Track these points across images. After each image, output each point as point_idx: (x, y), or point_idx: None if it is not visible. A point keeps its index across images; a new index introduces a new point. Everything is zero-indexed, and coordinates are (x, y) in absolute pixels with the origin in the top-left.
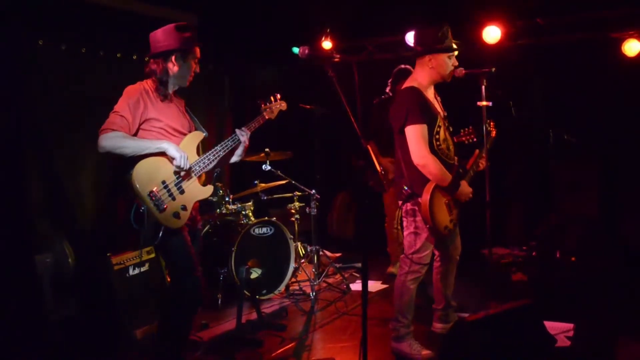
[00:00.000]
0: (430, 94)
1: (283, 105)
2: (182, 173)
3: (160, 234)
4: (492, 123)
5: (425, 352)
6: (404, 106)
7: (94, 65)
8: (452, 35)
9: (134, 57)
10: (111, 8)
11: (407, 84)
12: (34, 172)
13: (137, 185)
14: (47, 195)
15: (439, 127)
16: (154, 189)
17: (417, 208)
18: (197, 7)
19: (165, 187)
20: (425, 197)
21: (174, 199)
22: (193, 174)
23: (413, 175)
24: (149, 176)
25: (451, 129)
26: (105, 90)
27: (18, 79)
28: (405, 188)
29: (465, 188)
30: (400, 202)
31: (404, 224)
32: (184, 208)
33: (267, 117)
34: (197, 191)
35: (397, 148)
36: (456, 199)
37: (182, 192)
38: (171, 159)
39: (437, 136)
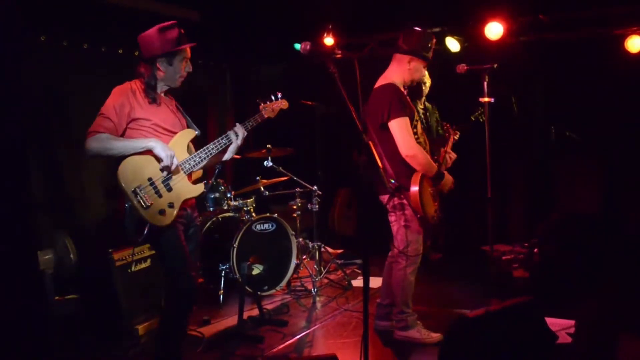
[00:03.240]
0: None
1: (284, 104)
2: (171, 170)
3: (146, 231)
4: (448, 125)
5: (435, 335)
6: (386, 101)
7: (95, 62)
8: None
9: (135, 53)
10: (113, 4)
11: (382, 81)
12: (36, 168)
13: (122, 183)
14: (49, 192)
15: (416, 121)
16: (139, 186)
17: (405, 201)
18: (199, 3)
19: (152, 184)
20: (415, 188)
21: (160, 196)
22: (182, 172)
23: (398, 168)
24: (134, 173)
25: (425, 125)
26: (107, 86)
27: (20, 75)
28: (393, 181)
29: (448, 177)
30: (385, 198)
31: (392, 219)
32: (171, 205)
33: (266, 116)
34: (186, 189)
35: (377, 143)
36: (439, 189)
37: (169, 189)
38: (158, 159)
39: (415, 130)
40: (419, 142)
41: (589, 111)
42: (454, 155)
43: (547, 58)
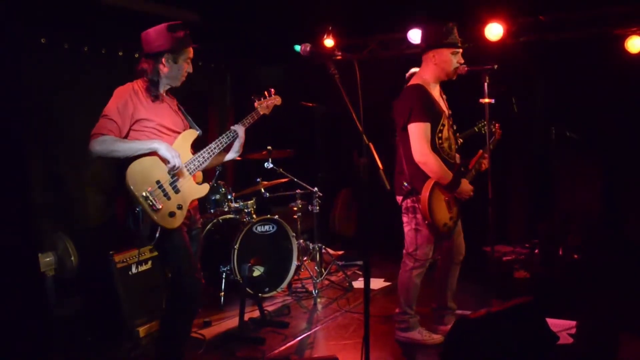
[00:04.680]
0: (435, 91)
1: (277, 100)
2: (176, 172)
3: (157, 234)
4: (497, 125)
5: (436, 336)
6: (408, 103)
7: (96, 64)
8: (458, 34)
9: (136, 55)
10: (114, 6)
11: (413, 81)
12: (37, 170)
13: (132, 187)
14: (50, 194)
15: (443, 125)
16: (149, 189)
17: (417, 205)
18: (199, 5)
19: (160, 186)
20: (425, 194)
21: (169, 198)
22: (187, 173)
23: (413, 171)
24: (143, 177)
25: (455, 127)
26: (107, 89)
27: (20, 77)
28: (405, 184)
29: (465, 186)
30: (400, 199)
31: (404, 220)
32: (180, 207)
33: (261, 113)
34: (192, 190)
35: (398, 144)
36: (457, 197)
37: (177, 191)
38: (163, 160)
39: (440, 134)
40: (442, 147)
41: (589, 111)
42: (487, 163)
43: (547, 59)
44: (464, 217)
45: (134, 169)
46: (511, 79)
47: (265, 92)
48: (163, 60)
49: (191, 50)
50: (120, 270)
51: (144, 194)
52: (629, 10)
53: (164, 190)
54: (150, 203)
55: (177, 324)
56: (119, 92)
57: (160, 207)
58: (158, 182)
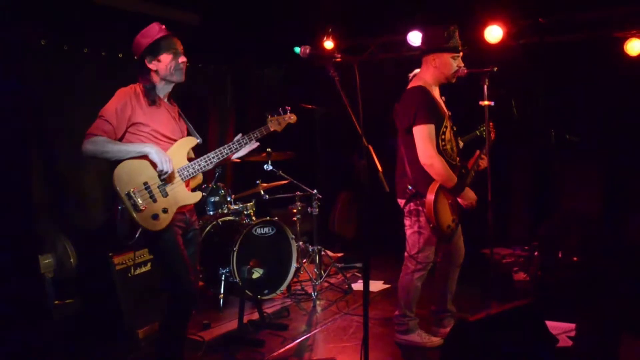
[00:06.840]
0: (435, 93)
1: (292, 119)
2: (166, 176)
3: (138, 235)
4: (491, 124)
5: (435, 339)
6: (413, 105)
7: (96, 65)
8: (459, 37)
9: (136, 57)
10: (114, 8)
11: (414, 83)
12: (37, 172)
13: (117, 185)
14: (50, 196)
15: (445, 127)
16: (133, 189)
17: (420, 208)
18: (199, 6)
19: (147, 188)
20: (430, 197)
21: (154, 200)
22: (180, 178)
23: (417, 174)
24: (130, 176)
25: (455, 129)
26: (107, 90)
27: (20, 79)
28: (410, 187)
29: (469, 194)
30: (402, 202)
31: (407, 223)
32: (165, 211)
33: (272, 129)
34: (183, 196)
35: (400, 147)
36: (458, 200)
37: (165, 195)
38: (155, 164)
39: (443, 136)
40: (444, 149)
41: (588, 114)
42: (485, 162)
43: (546, 61)
44: (463, 219)
45: (121, 169)
46: (511, 81)
47: (280, 109)
48: (146, 62)
49: (174, 39)
50: (119, 272)
51: (127, 192)
52: (628, 12)
53: (150, 192)
54: (133, 202)
55: (174, 326)
56: (119, 94)
57: (144, 208)
58: (145, 183)
